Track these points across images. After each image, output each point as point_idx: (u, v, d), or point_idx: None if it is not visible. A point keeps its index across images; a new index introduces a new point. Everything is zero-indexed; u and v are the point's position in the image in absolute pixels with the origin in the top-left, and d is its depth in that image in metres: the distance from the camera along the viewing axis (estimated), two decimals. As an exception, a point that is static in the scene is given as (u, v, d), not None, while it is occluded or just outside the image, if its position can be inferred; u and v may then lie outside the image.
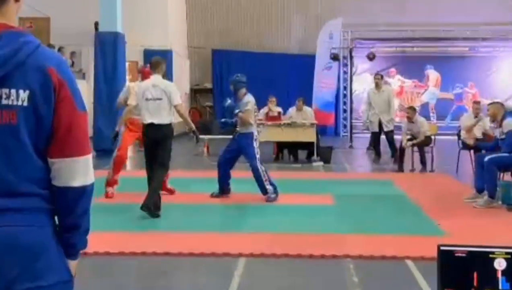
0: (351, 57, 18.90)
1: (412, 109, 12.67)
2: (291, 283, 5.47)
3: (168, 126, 7.87)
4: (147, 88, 7.85)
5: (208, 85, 22.44)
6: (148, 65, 8.37)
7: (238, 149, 9.11)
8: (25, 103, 1.98)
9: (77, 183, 2.08)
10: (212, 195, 9.11)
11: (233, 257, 5.98)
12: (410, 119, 12.22)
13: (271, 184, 8.87)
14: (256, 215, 7.97)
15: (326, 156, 13.55)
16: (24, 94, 1.97)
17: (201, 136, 15.66)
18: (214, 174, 11.49)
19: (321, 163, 13.29)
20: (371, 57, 18.30)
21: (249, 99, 9.06)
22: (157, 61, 8.03)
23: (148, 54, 19.06)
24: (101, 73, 14.67)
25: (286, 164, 13.44)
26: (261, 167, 8.87)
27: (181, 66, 21.12)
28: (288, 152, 14.27)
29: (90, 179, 2.14)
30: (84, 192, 2.12)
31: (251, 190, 9.40)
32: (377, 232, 7.05)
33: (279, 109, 14.17)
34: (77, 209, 2.13)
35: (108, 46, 14.62)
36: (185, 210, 8.31)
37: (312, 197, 9.26)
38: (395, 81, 20.63)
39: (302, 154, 14.05)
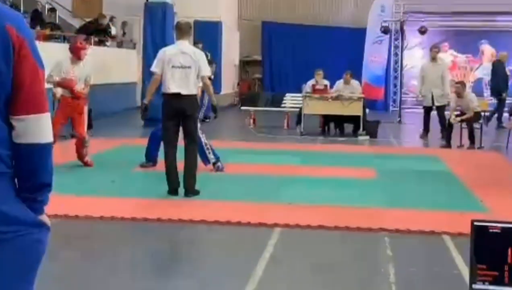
0: (403, 31, 18.50)
1: (461, 84, 12.37)
2: (324, 254, 5.46)
3: (195, 97, 7.27)
4: (174, 55, 7.10)
5: (257, 57, 22.37)
6: (175, 30, 7.61)
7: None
8: None
9: (44, 139, 2.06)
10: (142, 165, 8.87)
11: (268, 227, 6.00)
12: (459, 95, 11.94)
13: (214, 154, 8.70)
14: (295, 186, 7.95)
15: (372, 130, 13.40)
16: None
17: (247, 108, 15.97)
18: (259, 145, 11.57)
19: (367, 137, 13.15)
20: (423, 31, 17.88)
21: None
22: (185, 25, 7.35)
23: (198, 26, 19.11)
24: (150, 44, 14.77)
25: (332, 138, 13.36)
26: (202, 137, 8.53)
27: (231, 38, 21.09)
28: (334, 125, 14.17)
29: (51, 136, 2.12)
30: (51, 148, 2.11)
31: (291, 162, 9.41)
32: (417, 207, 6.95)
33: (326, 82, 14.04)
34: (47, 165, 2.11)
35: (157, 17, 14.70)
36: (225, 180, 8.35)
37: (354, 170, 9.18)
38: (448, 55, 20.11)
39: (348, 127, 13.93)
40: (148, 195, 7.26)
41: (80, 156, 9.03)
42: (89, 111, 12.56)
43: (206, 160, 8.64)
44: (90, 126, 12.53)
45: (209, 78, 7.57)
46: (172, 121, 7.17)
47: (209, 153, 8.63)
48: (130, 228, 6.10)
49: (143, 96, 15.00)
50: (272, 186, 7.97)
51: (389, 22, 19.01)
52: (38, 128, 2.05)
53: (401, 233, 5.91)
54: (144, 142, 12.27)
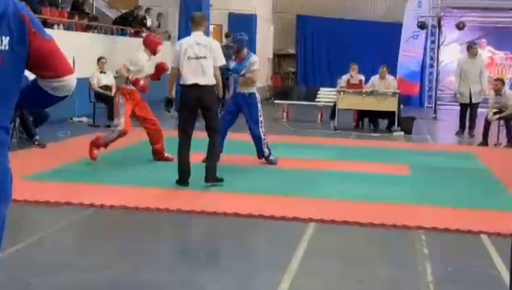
0: (440, 26, 18.24)
1: (500, 81, 12.16)
2: (359, 250, 5.42)
3: (213, 87, 7.24)
4: (189, 46, 7.13)
5: (291, 51, 22.29)
6: (190, 22, 7.47)
7: (238, 110, 8.78)
8: (7, 47, 2.32)
9: (69, 93, 2.61)
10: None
11: (302, 222, 5.97)
12: (497, 92, 11.75)
13: (268, 147, 8.74)
14: (328, 181, 7.89)
15: (407, 126, 13.25)
16: (5, 40, 2.31)
17: (281, 102, 15.92)
18: (291, 138, 11.52)
19: (402, 133, 13.01)
20: (460, 27, 17.64)
21: (255, 59, 8.79)
22: (200, 17, 7.38)
23: (233, 18, 19.15)
24: (185, 35, 14.71)
25: (366, 133, 13.24)
26: (262, 133, 8.63)
27: (265, 31, 21.05)
28: (369, 120, 14.05)
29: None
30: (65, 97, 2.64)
31: (324, 157, 9.35)
32: (453, 205, 6.85)
33: (361, 77, 13.92)
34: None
35: (193, 9, 14.65)
36: (259, 173, 8.34)
37: (388, 167, 9.09)
38: (485, 52, 19.79)
39: (382, 123, 13.81)
40: (180, 186, 7.27)
41: (160, 149, 8.70)
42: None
43: (261, 153, 8.71)
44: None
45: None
46: (189, 111, 7.22)
47: (265, 147, 8.70)
48: (163, 219, 6.11)
49: (176, 87, 15.08)
50: (305, 181, 7.93)
51: (426, 17, 18.78)
52: (70, 86, 2.57)
53: (437, 231, 5.83)
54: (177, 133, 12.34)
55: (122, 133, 8.47)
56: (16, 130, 9.88)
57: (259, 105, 8.68)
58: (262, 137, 8.66)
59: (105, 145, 8.48)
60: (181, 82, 7.23)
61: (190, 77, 7.07)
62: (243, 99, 8.69)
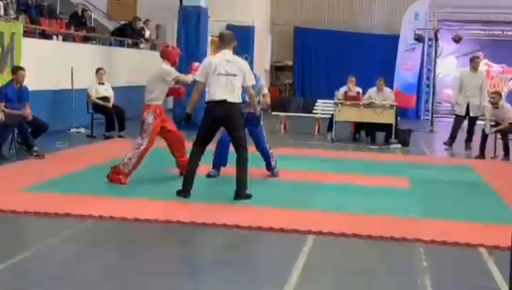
0: (436, 39, 18.33)
1: (497, 94, 12.21)
2: (358, 263, 5.42)
3: (239, 105, 7.30)
4: (220, 63, 7.18)
5: (289, 63, 22.34)
6: (219, 40, 7.49)
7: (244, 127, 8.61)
8: None
9: None
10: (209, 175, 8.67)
11: (301, 234, 5.98)
12: (495, 105, 11.79)
13: (275, 161, 8.98)
14: (326, 193, 7.91)
15: (404, 139, 13.29)
16: None
17: (278, 113, 15.95)
18: (288, 151, 11.53)
19: (399, 145, 13.04)
20: (457, 40, 17.69)
21: (263, 82, 9.09)
22: (229, 36, 7.47)
23: (230, 29, 19.13)
24: (183, 47, 14.81)
25: (363, 145, 13.27)
26: (268, 147, 8.86)
27: (263, 42, 21.11)
28: (366, 133, 14.08)
29: None
30: None
31: (322, 169, 9.37)
32: (452, 218, 6.86)
33: (359, 89, 13.97)
34: None
35: (191, 20, 14.78)
36: (256, 185, 8.33)
37: (387, 179, 9.11)
38: (482, 65, 19.87)
39: (380, 136, 13.83)
40: (181, 198, 7.28)
41: (185, 163, 8.24)
42: (122, 112, 12.73)
43: (269, 165, 8.93)
44: (122, 127, 12.68)
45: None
46: (212, 127, 7.30)
47: (273, 160, 8.92)
48: (165, 230, 6.11)
49: (174, 99, 15.14)
50: (303, 193, 7.94)
51: (423, 30, 18.87)
52: None
53: (436, 244, 5.84)
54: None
55: (143, 154, 8.25)
56: (15, 141, 9.88)
57: (261, 122, 8.71)
58: (269, 151, 8.87)
59: (130, 172, 8.18)
60: (208, 98, 7.25)
61: (218, 93, 7.11)
62: (248, 117, 8.57)
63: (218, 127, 7.36)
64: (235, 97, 7.16)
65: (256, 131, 8.71)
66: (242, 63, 7.34)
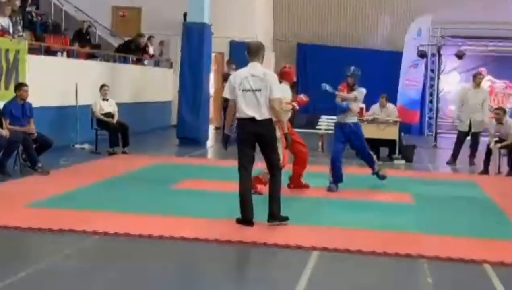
0: (439, 55, 18.37)
1: (502, 110, 12.21)
2: (363, 280, 5.41)
3: (270, 121, 6.87)
4: (245, 78, 6.83)
5: (292, 79, 22.39)
6: (246, 52, 7.07)
7: (347, 140, 9.53)
8: None
9: None
10: (330, 189, 9.15)
11: (306, 250, 5.97)
12: (499, 121, 11.79)
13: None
14: (332, 210, 7.91)
15: (408, 154, 13.28)
16: None
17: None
18: (291, 166, 11.49)
19: (403, 161, 13.04)
20: (460, 56, 17.74)
21: (364, 90, 9.81)
22: (257, 46, 7.04)
23: (234, 46, 19.29)
24: (186, 63, 14.92)
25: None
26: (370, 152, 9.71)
27: (266, 58, 21.08)
28: (370, 148, 14.04)
29: None
30: None
31: (326, 184, 9.34)
32: (456, 234, 6.85)
33: (362, 105, 13.96)
34: None
35: (195, 37, 14.84)
36: (260, 201, 8.31)
37: (391, 195, 9.11)
38: (485, 81, 19.90)
39: (383, 151, 13.82)
40: (187, 214, 7.29)
41: (300, 173, 9.06)
42: (126, 129, 12.78)
43: (373, 169, 9.81)
44: (126, 143, 12.72)
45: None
46: (247, 146, 6.91)
47: (375, 164, 9.72)
48: (166, 247, 6.11)
49: (178, 114, 15.21)
50: (308, 209, 7.95)
51: (426, 46, 18.91)
52: None
53: (440, 260, 5.82)
54: (179, 161, 12.40)
55: (284, 165, 8.32)
56: (19, 157, 9.91)
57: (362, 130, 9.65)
58: (372, 155, 9.74)
59: (266, 183, 8.23)
60: (237, 115, 6.92)
61: (246, 111, 6.79)
62: (350, 129, 9.40)
63: (253, 145, 6.92)
64: (262, 113, 6.77)
65: (358, 139, 9.42)
66: (268, 75, 6.88)
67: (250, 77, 6.82)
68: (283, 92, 7.88)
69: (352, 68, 9.88)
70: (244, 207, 6.84)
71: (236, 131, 7.01)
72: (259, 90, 6.77)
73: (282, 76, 8.72)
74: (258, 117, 6.77)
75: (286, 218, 6.92)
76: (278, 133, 7.60)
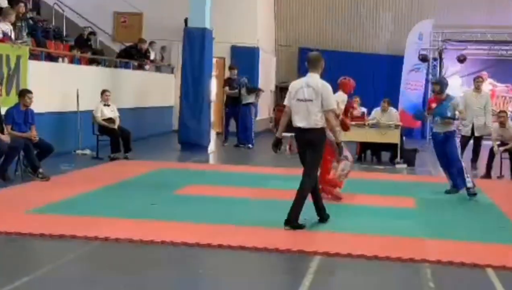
0: (441, 59, 18.39)
1: (505, 113, 12.21)
2: (366, 284, 5.39)
3: (319, 131, 6.95)
4: (300, 88, 6.98)
5: (294, 83, 22.40)
6: (306, 62, 7.27)
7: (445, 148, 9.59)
8: None
9: None
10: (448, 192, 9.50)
11: (308, 255, 5.95)
12: (502, 124, 11.79)
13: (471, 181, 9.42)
14: (334, 215, 7.87)
15: (410, 158, 13.27)
16: None
17: (284, 134, 15.93)
18: (294, 171, 11.48)
19: (405, 165, 13.03)
20: (461, 59, 17.76)
21: (458, 100, 10.11)
22: (315, 57, 7.15)
23: (235, 51, 19.32)
24: (188, 68, 14.93)
25: (369, 165, 13.26)
26: (462, 162, 9.57)
27: (268, 63, 21.21)
28: (371, 153, 14.07)
29: None
30: None
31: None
32: (458, 238, 6.84)
33: (363, 110, 13.99)
34: None
35: (196, 42, 14.85)
36: (262, 206, 8.34)
37: (393, 199, 9.10)
38: (487, 84, 19.90)
39: (385, 155, 13.82)
40: (189, 219, 7.28)
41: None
42: (128, 134, 12.77)
43: (462, 183, 9.38)
44: (128, 149, 12.71)
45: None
46: (302, 153, 7.14)
47: (467, 177, 9.36)
48: (168, 252, 6.10)
49: (180, 119, 15.21)
50: (310, 213, 7.90)
51: (427, 50, 18.93)
52: None
53: (443, 264, 5.81)
54: (181, 166, 12.40)
55: (352, 165, 8.73)
56: (20, 163, 9.90)
57: (457, 141, 9.69)
58: (463, 168, 9.46)
59: (340, 184, 8.68)
60: (293, 123, 7.10)
61: (296, 120, 6.98)
62: (443, 137, 9.54)
63: (305, 152, 7.06)
64: (310, 123, 6.88)
65: (450, 148, 9.47)
66: (321, 87, 6.94)
67: (305, 88, 6.95)
68: (339, 102, 8.42)
69: (437, 77, 9.95)
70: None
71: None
72: (311, 101, 6.89)
73: (340, 86, 9.12)
74: (305, 126, 6.91)
75: (301, 226, 6.92)
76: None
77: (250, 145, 15.80)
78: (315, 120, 6.90)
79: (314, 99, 6.87)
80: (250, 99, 16.04)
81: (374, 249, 6.15)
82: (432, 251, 6.20)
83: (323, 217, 7.28)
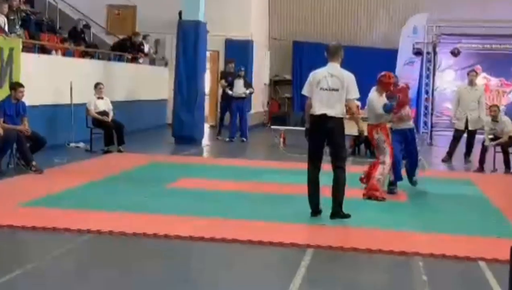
0: (435, 53, 18.39)
1: (497, 107, 12.23)
2: (357, 277, 5.40)
3: (341, 120, 7.04)
4: (323, 77, 7.03)
5: (288, 77, 22.37)
6: (326, 53, 7.31)
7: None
8: None
9: None
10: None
11: (300, 248, 5.96)
12: (495, 118, 11.81)
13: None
14: (326, 208, 7.88)
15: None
16: None
17: (277, 127, 15.98)
18: (288, 165, 11.51)
19: (399, 159, 13.01)
20: (455, 53, 17.76)
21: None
22: (335, 48, 7.25)
23: (229, 44, 19.29)
24: (182, 61, 14.89)
25: (363, 159, 13.25)
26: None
27: (262, 56, 21.18)
28: (365, 146, 14.07)
29: None
30: None
31: (321, 183, 9.34)
32: (450, 232, 6.85)
33: (358, 103, 13.95)
34: None
35: (190, 35, 14.81)
36: (256, 199, 8.34)
37: (385, 193, 9.08)
38: (480, 78, 19.92)
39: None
40: (182, 212, 7.28)
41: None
42: (121, 127, 12.75)
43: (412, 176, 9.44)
44: (121, 142, 12.69)
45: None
46: (318, 142, 7.11)
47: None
48: (161, 245, 6.10)
49: (173, 113, 15.18)
50: (302, 207, 7.90)
51: (422, 43, 18.93)
52: None
53: (435, 258, 5.82)
54: (174, 159, 12.38)
55: (392, 165, 8.75)
56: (13, 156, 9.88)
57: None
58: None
59: (383, 185, 8.76)
60: (311, 112, 7.10)
61: (319, 107, 6.97)
62: (406, 134, 9.29)
63: (322, 141, 7.12)
64: (336, 112, 6.95)
65: (411, 144, 9.33)
66: (346, 76, 7.07)
67: (329, 77, 7.02)
68: (378, 102, 8.73)
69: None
70: (311, 201, 7.14)
71: (309, 125, 7.20)
72: (336, 90, 6.97)
73: (379, 83, 9.08)
74: (329, 114, 6.93)
75: (347, 215, 7.03)
76: (381, 135, 8.56)
77: (244, 139, 15.80)
78: (340, 109, 6.98)
79: (340, 89, 6.97)
80: (243, 92, 15.99)
81: (366, 242, 6.16)
82: (425, 244, 6.22)
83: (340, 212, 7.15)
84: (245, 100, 16.17)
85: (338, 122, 7.02)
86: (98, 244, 6.09)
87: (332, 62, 7.16)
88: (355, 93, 7.08)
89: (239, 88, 15.84)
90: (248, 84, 16.13)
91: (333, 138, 7.06)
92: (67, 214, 6.99)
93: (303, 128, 15.68)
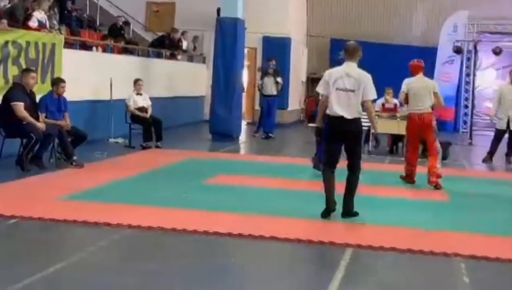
0: (476, 51, 18.10)
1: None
2: (398, 278, 5.34)
3: (359, 121, 6.97)
4: (340, 77, 6.91)
5: (325, 74, 22.28)
6: (344, 52, 7.21)
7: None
8: None
9: None
10: None
11: (339, 247, 5.92)
12: (537, 118, 11.57)
13: None
14: (366, 207, 7.82)
15: (443, 151, 12.99)
16: None
17: (314, 125, 15.86)
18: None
19: (438, 158, 12.84)
20: (497, 52, 17.47)
21: None
22: (353, 47, 7.12)
23: (267, 41, 19.28)
24: (220, 58, 14.92)
25: (401, 158, 13.09)
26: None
27: (299, 54, 21.12)
28: (403, 145, 13.90)
29: None
30: None
31: (361, 181, 9.27)
32: (493, 233, 6.73)
33: (396, 101, 13.83)
34: None
35: (228, 32, 14.84)
36: (293, 197, 8.32)
37: (426, 192, 9.00)
38: (522, 77, 19.54)
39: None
40: (220, 209, 7.29)
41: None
42: (159, 123, 12.84)
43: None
44: (159, 137, 12.78)
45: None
46: (334, 143, 7.04)
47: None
48: (200, 240, 6.11)
49: (211, 109, 15.24)
50: (340, 205, 7.86)
51: (462, 42, 18.66)
52: None
53: (477, 259, 5.72)
54: (212, 155, 12.42)
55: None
56: (55, 151, 10.02)
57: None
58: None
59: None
60: (327, 112, 7.01)
61: (337, 109, 6.87)
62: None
63: (340, 143, 7.03)
64: (352, 113, 6.86)
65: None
66: (363, 76, 6.94)
67: (345, 77, 6.91)
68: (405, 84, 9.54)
69: None
70: (328, 201, 7.02)
71: (325, 128, 7.12)
72: (352, 91, 6.86)
73: (410, 68, 9.92)
74: (347, 116, 6.85)
75: (356, 214, 7.07)
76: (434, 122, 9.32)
77: (271, 134, 15.91)
78: (357, 111, 6.90)
79: (356, 90, 6.85)
80: (274, 90, 16.06)
81: (408, 242, 6.09)
82: (466, 245, 6.12)
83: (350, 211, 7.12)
84: (275, 98, 16.22)
85: (357, 124, 6.95)
86: (137, 238, 6.13)
87: (349, 62, 7.03)
88: (372, 94, 6.98)
89: (269, 86, 15.93)
90: (276, 81, 16.08)
91: (350, 140, 6.98)
92: (107, 208, 7.06)
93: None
